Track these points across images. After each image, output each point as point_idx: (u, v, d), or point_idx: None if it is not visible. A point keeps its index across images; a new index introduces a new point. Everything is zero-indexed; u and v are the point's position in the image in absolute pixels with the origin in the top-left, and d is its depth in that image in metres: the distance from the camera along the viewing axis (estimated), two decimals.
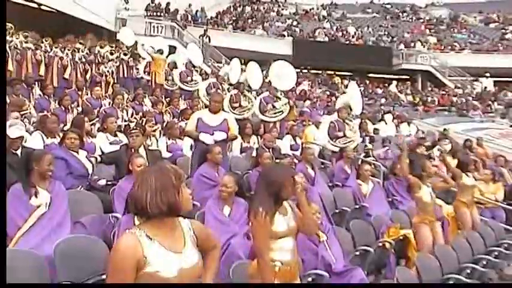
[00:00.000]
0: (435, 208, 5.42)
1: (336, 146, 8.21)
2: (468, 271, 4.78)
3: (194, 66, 12.83)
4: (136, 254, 1.87)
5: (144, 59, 13.66)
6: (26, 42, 11.25)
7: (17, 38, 10.99)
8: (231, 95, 9.89)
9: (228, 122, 6.04)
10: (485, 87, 22.95)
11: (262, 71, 12.06)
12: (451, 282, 4.41)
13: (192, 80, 12.16)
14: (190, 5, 23.16)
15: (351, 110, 8.80)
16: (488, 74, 23.34)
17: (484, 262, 5.15)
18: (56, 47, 11.74)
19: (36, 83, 9.99)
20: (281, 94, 9.87)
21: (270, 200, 2.86)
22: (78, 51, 12.12)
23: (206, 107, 7.68)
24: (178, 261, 1.95)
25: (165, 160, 5.10)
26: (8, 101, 7.60)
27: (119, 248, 1.90)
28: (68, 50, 11.75)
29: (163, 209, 1.93)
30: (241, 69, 11.52)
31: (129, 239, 1.91)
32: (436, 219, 5.26)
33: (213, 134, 5.86)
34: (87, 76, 11.64)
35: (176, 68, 12.84)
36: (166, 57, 13.33)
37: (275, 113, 9.15)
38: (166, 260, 1.92)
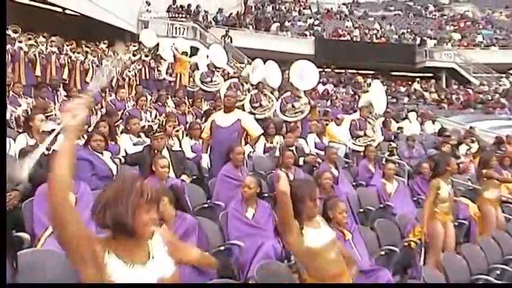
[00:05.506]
0: (453, 207, 5.33)
1: (356, 145, 8.15)
2: (498, 272, 4.66)
3: (217, 68, 12.82)
4: (98, 251, 1.67)
5: (165, 60, 13.74)
6: (51, 46, 11.42)
7: (42, 45, 11.12)
8: (251, 95, 9.87)
9: (241, 122, 5.88)
10: None
11: (284, 70, 12.02)
12: (480, 283, 4.31)
13: (212, 81, 12.12)
14: (198, 6, 22.89)
15: (373, 108, 8.71)
16: None
17: None
18: (78, 52, 11.85)
19: (61, 85, 10.14)
20: (303, 94, 9.80)
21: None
22: (103, 54, 12.27)
23: None
24: (139, 276, 1.72)
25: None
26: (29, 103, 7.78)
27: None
28: (91, 54, 11.87)
29: (109, 225, 1.69)
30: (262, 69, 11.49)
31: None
32: (452, 219, 5.16)
33: (224, 136, 5.76)
34: (113, 82, 11.72)
35: (198, 69, 12.88)
36: (190, 57, 13.41)
37: (295, 113, 9.08)
38: (125, 274, 1.69)
